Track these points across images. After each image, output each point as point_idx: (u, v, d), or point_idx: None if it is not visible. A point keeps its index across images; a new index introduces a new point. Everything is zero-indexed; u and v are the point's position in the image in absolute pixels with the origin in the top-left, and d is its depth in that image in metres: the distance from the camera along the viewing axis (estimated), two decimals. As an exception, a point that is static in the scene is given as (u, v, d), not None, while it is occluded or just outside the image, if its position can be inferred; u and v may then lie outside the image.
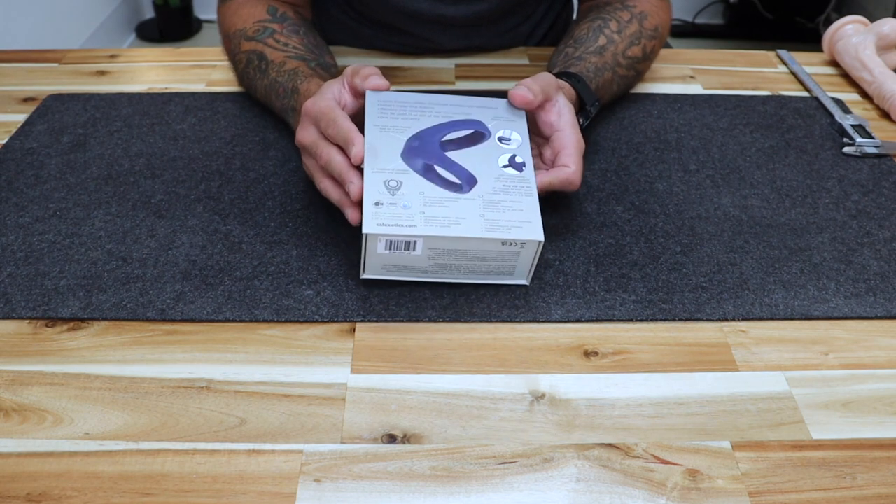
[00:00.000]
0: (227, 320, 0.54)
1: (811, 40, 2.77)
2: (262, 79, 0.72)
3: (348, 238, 0.60)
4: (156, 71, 0.86)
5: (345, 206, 0.56)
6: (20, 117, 0.77)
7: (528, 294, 0.56)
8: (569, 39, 0.76)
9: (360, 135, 0.54)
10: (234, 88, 0.82)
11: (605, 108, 0.78)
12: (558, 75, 0.67)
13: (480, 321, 0.54)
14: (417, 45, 0.89)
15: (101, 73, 0.86)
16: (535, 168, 0.58)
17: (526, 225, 0.52)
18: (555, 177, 0.57)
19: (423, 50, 0.90)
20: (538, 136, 0.61)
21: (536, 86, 0.58)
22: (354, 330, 0.53)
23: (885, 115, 0.80)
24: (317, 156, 0.56)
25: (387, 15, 0.87)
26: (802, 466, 0.45)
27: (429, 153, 0.55)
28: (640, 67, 0.77)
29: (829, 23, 2.75)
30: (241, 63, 0.75)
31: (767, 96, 0.82)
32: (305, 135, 0.57)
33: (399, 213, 0.51)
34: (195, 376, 0.50)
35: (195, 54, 0.90)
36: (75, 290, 0.56)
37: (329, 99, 0.57)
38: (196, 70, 0.86)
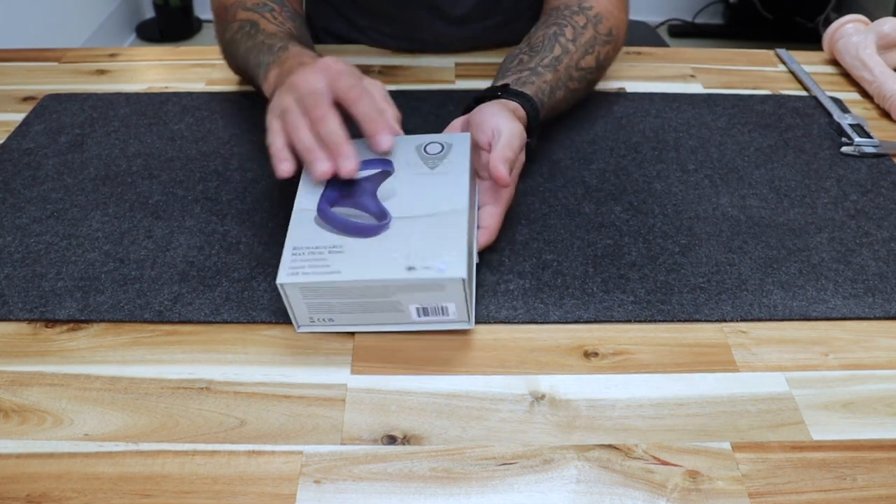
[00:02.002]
0: (224, 322, 0.53)
1: (811, 40, 2.77)
2: (248, 41, 0.70)
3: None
4: (155, 70, 0.86)
5: (316, 159, 0.53)
6: (19, 117, 0.77)
7: (527, 295, 0.56)
8: (524, 45, 0.73)
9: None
10: (233, 88, 0.82)
11: (603, 107, 0.78)
12: (513, 94, 0.64)
13: (479, 322, 0.54)
14: (414, 37, 0.89)
15: (101, 72, 0.86)
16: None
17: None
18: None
19: (419, 42, 0.89)
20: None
21: (512, 154, 0.57)
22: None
23: (886, 114, 0.80)
24: (314, 105, 0.53)
25: (379, 2, 0.87)
26: (803, 467, 0.45)
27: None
28: (591, 78, 0.75)
29: (828, 23, 2.75)
30: (233, 30, 0.73)
31: (766, 96, 0.82)
32: (314, 81, 0.54)
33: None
34: (195, 377, 0.50)
35: (195, 53, 0.90)
36: (73, 291, 0.55)
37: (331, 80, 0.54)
38: (196, 69, 0.86)
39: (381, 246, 0.50)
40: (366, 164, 0.55)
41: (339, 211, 0.52)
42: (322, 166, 0.52)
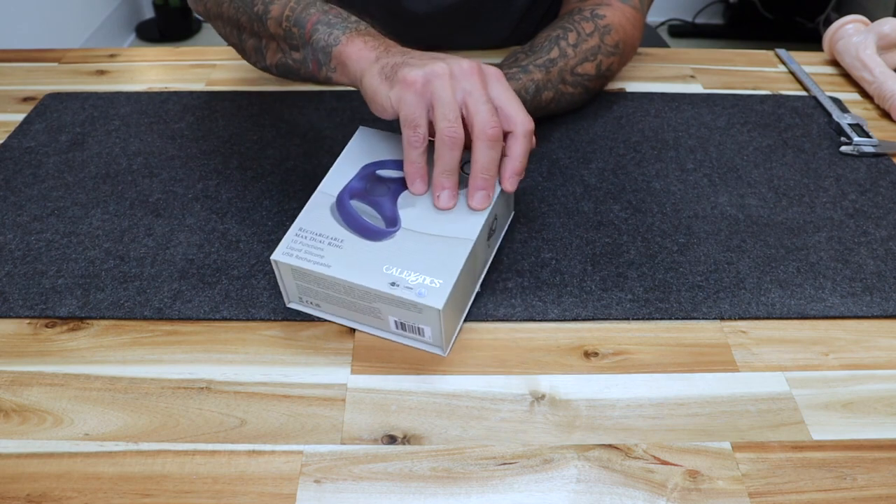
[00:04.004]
0: (224, 319, 0.54)
1: (811, 40, 2.77)
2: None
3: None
4: (155, 70, 0.86)
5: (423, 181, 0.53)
6: (19, 117, 0.77)
7: (525, 293, 0.56)
8: (527, 45, 0.73)
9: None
10: (233, 87, 0.82)
11: (603, 107, 0.79)
12: None
13: (478, 320, 0.54)
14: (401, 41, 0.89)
15: (101, 72, 0.86)
16: None
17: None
18: None
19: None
20: None
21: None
22: (354, 330, 0.53)
23: (886, 114, 0.80)
24: (453, 128, 0.51)
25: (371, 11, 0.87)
26: (803, 467, 0.45)
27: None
28: (590, 85, 0.74)
29: (828, 23, 2.75)
30: None
31: (765, 95, 0.82)
32: (450, 90, 0.51)
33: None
34: (195, 377, 0.50)
35: (195, 53, 0.90)
36: (73, 288, 0.56)
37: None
38: (195, 69, 0.86)
39: (378, 252, 0.50)
40: (397, 163, 0.55)
41: (356, 205, 0.53)
42: (447, 201, 0.52)
